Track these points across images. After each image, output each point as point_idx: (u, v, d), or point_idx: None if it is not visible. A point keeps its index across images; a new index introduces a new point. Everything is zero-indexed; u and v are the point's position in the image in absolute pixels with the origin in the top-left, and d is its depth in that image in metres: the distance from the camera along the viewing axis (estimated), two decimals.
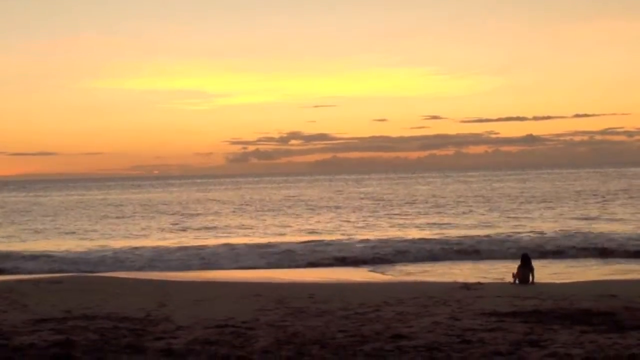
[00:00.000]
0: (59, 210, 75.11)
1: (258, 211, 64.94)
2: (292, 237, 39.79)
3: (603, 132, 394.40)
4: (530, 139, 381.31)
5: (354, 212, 59.90)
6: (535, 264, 20.89)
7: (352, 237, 38.03)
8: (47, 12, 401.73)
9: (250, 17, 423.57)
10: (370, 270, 27.22)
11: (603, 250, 30.34)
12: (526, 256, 20.89)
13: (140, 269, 29.37)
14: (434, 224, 45.43)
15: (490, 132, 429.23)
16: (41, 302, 16.43)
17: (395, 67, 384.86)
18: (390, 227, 44.67)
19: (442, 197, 78.81)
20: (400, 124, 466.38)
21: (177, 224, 52.29)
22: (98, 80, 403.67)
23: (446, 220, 48.35)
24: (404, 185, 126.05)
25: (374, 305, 15.10)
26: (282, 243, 35.31)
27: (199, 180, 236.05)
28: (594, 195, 72.82)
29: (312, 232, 42.84)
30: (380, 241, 34.36)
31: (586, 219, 45.73)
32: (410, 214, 55.22)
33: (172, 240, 39.26)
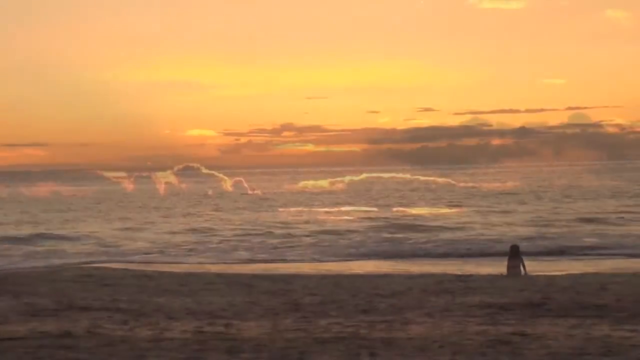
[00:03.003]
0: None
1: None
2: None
3: (595, 124, 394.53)
4: (523, 132, 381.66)
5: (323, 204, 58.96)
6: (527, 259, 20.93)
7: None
8: (40, 3, 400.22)
9: (244, 8, 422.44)
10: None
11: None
12: (515, 247, 20.98)
13: None
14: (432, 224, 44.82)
15: (483, 124, 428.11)
16: (35, 292, 16.42)
17: (389, 59, 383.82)
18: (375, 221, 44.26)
19: (434, 192, 78.79)
20: (394, 116, 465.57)
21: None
22: (91, 71, 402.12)
23: (441, 216, 48.22)
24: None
25: (368, 297, 15.13)
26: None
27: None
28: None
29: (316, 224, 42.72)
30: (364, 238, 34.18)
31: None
32: (401, 209, 55.09)
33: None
